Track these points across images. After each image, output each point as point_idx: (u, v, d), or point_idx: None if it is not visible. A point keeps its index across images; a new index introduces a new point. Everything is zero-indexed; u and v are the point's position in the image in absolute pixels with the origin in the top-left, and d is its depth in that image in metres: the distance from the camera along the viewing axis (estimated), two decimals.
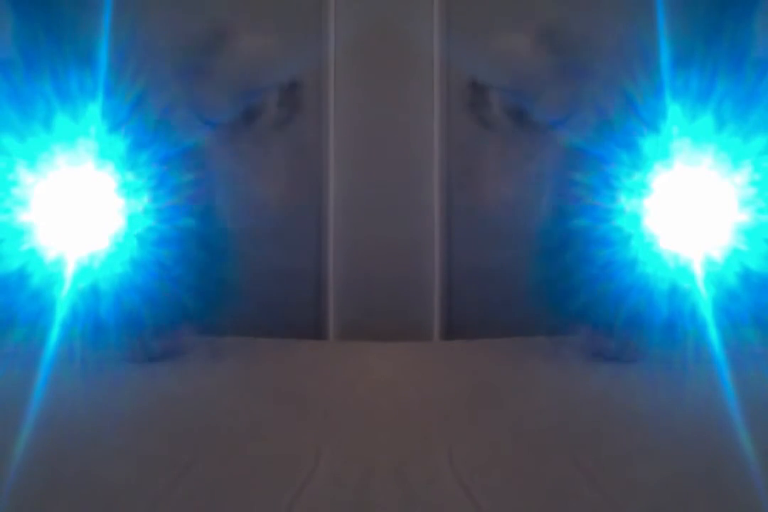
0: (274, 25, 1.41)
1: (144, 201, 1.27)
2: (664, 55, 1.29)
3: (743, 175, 1.23)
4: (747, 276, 1.24)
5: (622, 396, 1.05)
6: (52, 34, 1.32)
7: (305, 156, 1.42)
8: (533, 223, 1.37)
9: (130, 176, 1.27)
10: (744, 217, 1.24)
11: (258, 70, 1.40)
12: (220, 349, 1.24)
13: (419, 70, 1.39)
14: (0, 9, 1.30)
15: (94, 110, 1.25)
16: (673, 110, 1.26)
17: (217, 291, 1.32)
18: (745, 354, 1.15)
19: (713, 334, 1.18)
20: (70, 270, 1.24)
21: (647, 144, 1.28)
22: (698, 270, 1.25)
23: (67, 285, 1.24)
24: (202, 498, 0.78)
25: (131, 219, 1.28)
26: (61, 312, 1.22)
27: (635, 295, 1.27)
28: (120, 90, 1.29)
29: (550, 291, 1.34)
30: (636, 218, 1.28)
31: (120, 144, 1.27)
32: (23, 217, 1.24)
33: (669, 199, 1.27)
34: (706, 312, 1.22)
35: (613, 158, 1.29)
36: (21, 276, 1.23)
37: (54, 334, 1.18)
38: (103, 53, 1.29)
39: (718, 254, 1.24)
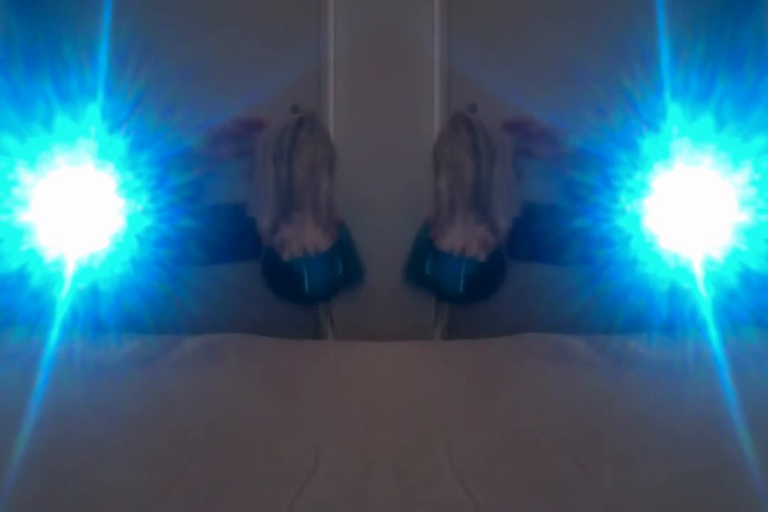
0: (273, 25, 1.41)
1: (144, 201, 1.28)
2: (664, 55, 1.29)
3: (743, 175, 1.23)
4: (747, 276, 1.24)
5: (623, 396, 1.05)
6: (52, 34, 1.32)
7: None
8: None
9: (130, 176, 1.27)
10: (744, 217, 1.24)
11: (257, 70, 1.40)
12: (219, 348, 1.23)
13: (420, 71, 1.39)
14: (0, 9, 1.30)
15: (94, 110, 1.25)
16: (673, 110, 1.26)
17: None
18: (745, 354, 1.15)
19: (713, 334, 1.18)
20: (70, 271, 1.25)
21: (647, 144, 1.28)
22: (698, 271, 1.25)
23: (67, 285, 1.24)
24: (202, 498, 0.78)
25: (131, 219, 1.28)
26: (61, 313, 1.22)
27: (635, 295, 1.27)
28: (120, 90, 1.29)
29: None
30: (636, 218, 1.28)
31: (120, 144, 1.27)
32: (23, 217, 1.24)
33: (669, 199, 1.27)
34: (706, 313, 1.22)
35: (612, 158, 1.30)
36: (21, 276, 1.23)
37: (54, 334, 1.18)
38: (103, 53, 1.29)
39: (718, 254, 1.25)
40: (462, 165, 1.31)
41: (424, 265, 1.34)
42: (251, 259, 1.36)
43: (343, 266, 1.35)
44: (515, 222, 1.34)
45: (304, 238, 1.31)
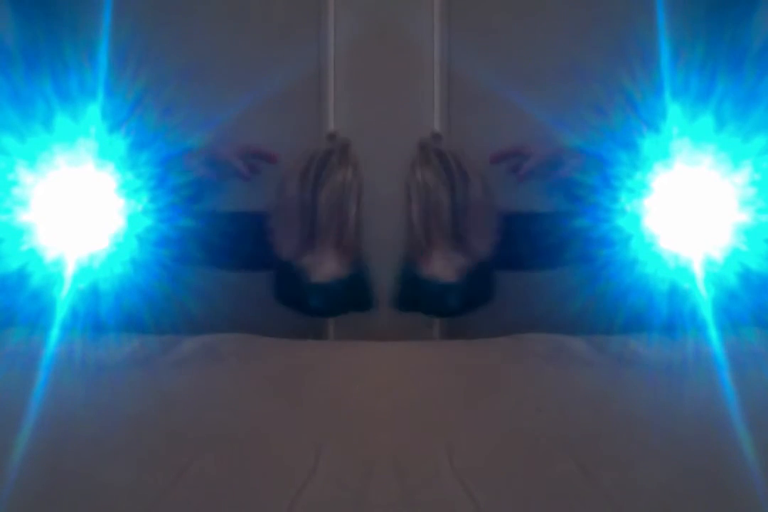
0: (273, 25, 1.41)
1: (144, 201, 1.28)
2: (664, 55, 1.29)
3: (743, 175, 1.23)
4: (747, 276, 1.24)
5: (623, 396, 1.05)
6: (52, 34, 1.32)
7: None
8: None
9: (130, 176, 1.27)
10: (744, 217, 1.24)
11: (257, 71, 1.40)
12: (219, 348, 1.23)
13: (420, 71, 1.39)
14: (0, 9, 1.30)
15: (94, 110, 1.25)
16: (673, 110, 1.26)
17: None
18: (745, 354, 1.15)
19: (713, 334, 1.18)
20: (70, 271, 1.25)
21: (647, 144, 1.28)
22: (698, 271, 1.25)
23: (67, 285, 1.24)
24: (202, 498, 0.78)
25: (131, 219, 1.28)
26: (61, 313, 1.22)
27: (635, 295, 1.27)
28: (120, 90, 1.29)
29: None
30: (636, 218, 1.28)
31: (120, 144, 1.27)
32: (23, 217, 1.24)
33: (669, 199, 1.27)
34: (706, 313, 1.22)
35: (612, 158, 1.30)
36: (21, 276, 1.23)
37: (54, 334, 1.18)
38: (103, 53, 1.29)
39: (718, 254, 1.25)
40: (435, 192, 1.29)
41: (413, 290, 1.34)
42: (264, 270, 1.35)
43: (355, 293, 1.34)
44: (502, 233, 1.33)
45: (325, 266, 1.30)
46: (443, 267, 1.30)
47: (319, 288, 1.30)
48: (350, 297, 1.34)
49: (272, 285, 1.34)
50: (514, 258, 1.35)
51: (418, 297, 1.33)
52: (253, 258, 1.35)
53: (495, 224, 1.31)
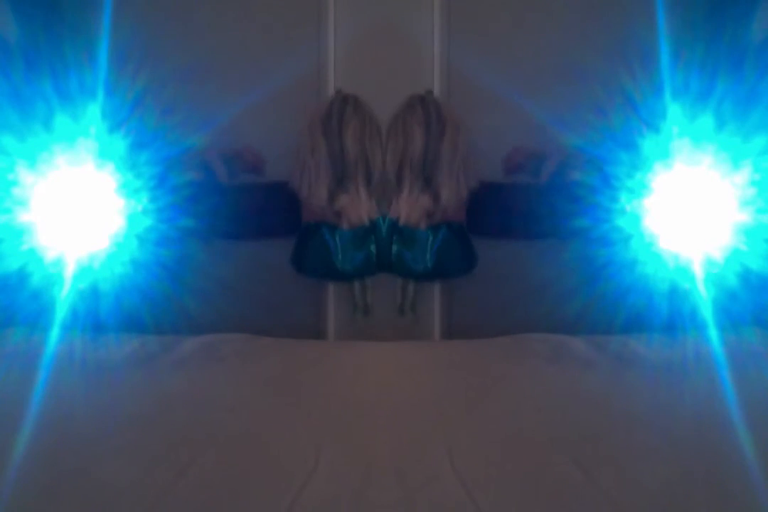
0: (273, 25, 1.41)
1: (144, 201, 1.28)
2: (664, 55, 1.29)
3: (743, 175, 1.23)
4: (747, 276, 1.24)
5: (622, 396, 1.05)
6: (52, 34, 1.33)
7: None
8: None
9: (130, 176, 1.27)
10: (744, 217, 1.24)
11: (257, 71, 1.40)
12: (219, 348, 1.23)
13: (420, 70, 1.39)
14: (0, 9, 1.30)
15: (94, 110, 1.26)
16: (673, 110, 1.26)
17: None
18: (745, 354, 1.15)
19: (713, 334, 1.18)
20: (70, 271, 1.25)
21: (647, 144, 1.28)
22: (698, 271, 1.25)
23: (67, 285, 1.24)
24: (201, 497, 0.78)
25: (131, 219, 1.28)
26: (61, 313, 1.22)
27: (635, 295, 1.28)
28: (120, 90, 1.29)
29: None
30: (636, 218, 1.28)
31: (120, 144, 1.27)
32: (23, 217, 1.24)
33: (669, 199, 1.27)
34: (706, 313, 1.22)
35: (612, 158, 1.30)
36: (21, 276, 1.24)
37: (54, 334, 1.19)
38: (103, 53, 1.29)
39: (718, 254, 1.25)
40: (412, 136, 1.33)
41: (390, 248, 1.36)
42: (287, 236, 1.38)
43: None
44: (476, 200, 1.36)
45: (360, 208, 1.34)
46: (411, 206, 1.33)
47: (349, 238, 1.34)
48: (369, 250, 1.36)
49: (293, 253, 1.36)
50: (493, 225, 1.38)
51: (398, 254, 1.35)
52: (275, 225, 1.38)
53: (469, 175, 1.34)
